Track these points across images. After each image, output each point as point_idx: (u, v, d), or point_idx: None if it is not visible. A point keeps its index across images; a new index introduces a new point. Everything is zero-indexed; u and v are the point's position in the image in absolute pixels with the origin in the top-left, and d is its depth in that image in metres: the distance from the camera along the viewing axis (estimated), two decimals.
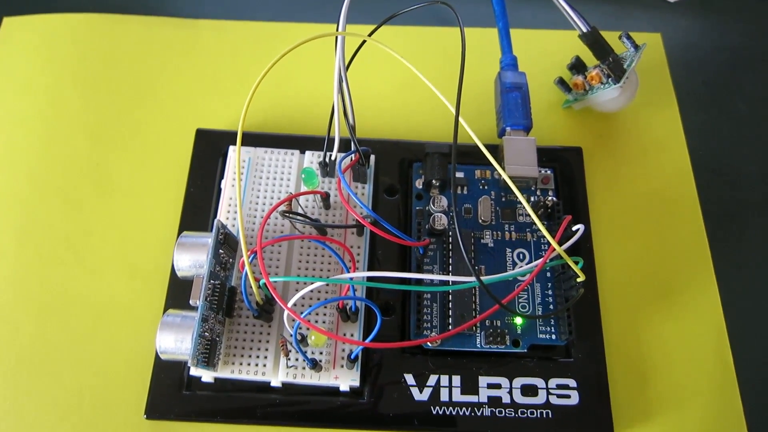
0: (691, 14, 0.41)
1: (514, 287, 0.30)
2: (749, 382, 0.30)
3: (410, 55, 0.27)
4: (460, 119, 0.26)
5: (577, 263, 0.26)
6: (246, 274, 0.26)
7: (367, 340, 0.26)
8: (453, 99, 0.26)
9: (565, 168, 0.34)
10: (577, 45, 0.33)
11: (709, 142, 0.37)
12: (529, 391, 0.29)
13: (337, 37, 0.27)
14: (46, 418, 0.29)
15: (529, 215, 0.32)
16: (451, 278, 0.28)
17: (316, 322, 0.29)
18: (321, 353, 0.28)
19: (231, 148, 0.33)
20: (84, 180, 0.34)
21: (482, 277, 0.25)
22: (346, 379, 0.28)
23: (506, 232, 0.31)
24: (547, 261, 0.26)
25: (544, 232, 0.25)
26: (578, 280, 0.27)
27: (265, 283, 0.26)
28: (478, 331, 0.29)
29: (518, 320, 0.30)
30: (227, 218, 0.31)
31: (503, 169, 0.30)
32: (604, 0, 0.41)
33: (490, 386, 0.29)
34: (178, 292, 0.30)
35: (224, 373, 0.28)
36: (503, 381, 0.29)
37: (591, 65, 0.34)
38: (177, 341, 0.26)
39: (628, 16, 0.41)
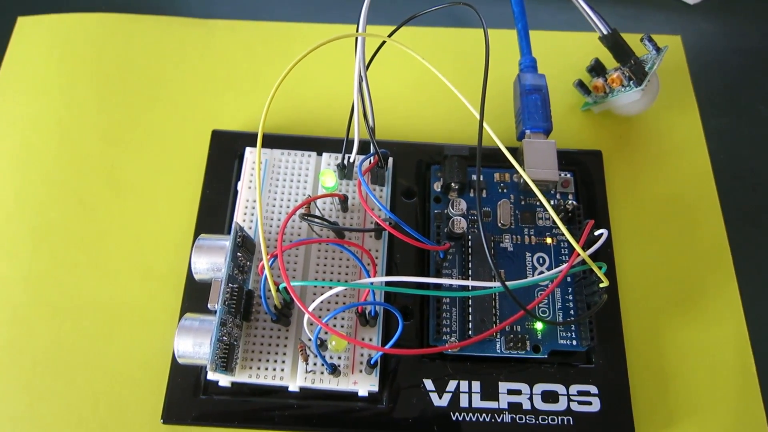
0: (711, 16, 0.40)
1: (534, 292, 0.30)
2: None
3: (428, 56, 0.26)
4: (484, 123, 0.26)
5: (600, 268, 0.26)
6: (265, 277, 0.26)
7: (387, 346, 0.26)
8: (472, 101, 0.26)
9: (584, 171, 0.33)
10: (596, 47, 0.33)
11: (729, 145, 0.36)
12: (549, 397, 0.28)
13: (357, 38, 0.27)
14: (63, 423, 0.29)
15: (549, 218, 0.31)
16: (472, 283, 0.28)
17: (335, 326, 0.29)
18: (340, 358, 0.28)
19: (248, 149, 0.33)
20: (99, 182, 0.34)
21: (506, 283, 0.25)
22: (365, 384, 0.28)
23: (526, 236, 0.31)
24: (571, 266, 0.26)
25: (569, 238, 0.25)
26: (602, 285, 0.26)
27: (285, 287, 0.25)
28: (498, 337, 0.29)
29: (539, 326, 0.29)
30: (244, 220, 0.31)
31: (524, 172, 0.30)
32: (622, 2, 0.41)
33: (510, 392, 0.28)
34: (193, 295, 0.30)
35: (242, 377, 0.28)
36: (523, 387, 0.29)
37: (610, 68, 0.34)
38: (195, 345, 0.26)
39: (647, 19, 0.40)
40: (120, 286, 0.31)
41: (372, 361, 0.27)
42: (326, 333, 0.27)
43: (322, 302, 0.28)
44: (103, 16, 0.38)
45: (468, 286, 0.29)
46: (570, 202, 0.31)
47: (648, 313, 0.31)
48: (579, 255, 0.25)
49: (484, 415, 0.28)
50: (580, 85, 0.35)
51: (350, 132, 0.29)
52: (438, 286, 0.29)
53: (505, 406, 0.28)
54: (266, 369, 0.28)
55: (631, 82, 0.32)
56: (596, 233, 0.27)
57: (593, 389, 0.29)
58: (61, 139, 0.35)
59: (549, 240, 0.31)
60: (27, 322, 0.30)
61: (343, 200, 0.30)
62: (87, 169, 0.34)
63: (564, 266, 0.26)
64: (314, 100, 0.36)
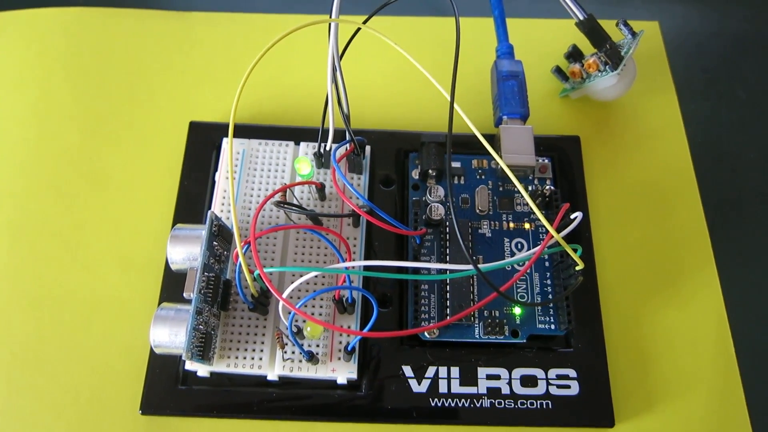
0: (689, 1, 0.40)
1: (512, 277, 0.30)
2: (751, 370, 0.30)
3: (405, 45, 0.26)
4: (456, 106, 0.26)
5: (575, 251, 0.26)
6: (240, 265, 0.26)
7: (364, 330, 0.26)
8: (448, 88, 0.26)
9: (562, 157, 0.33)
10: (573, 34, 0.33)
11: (708, 129, 0.36)
12: (528, 381, 0.28)
13: (330, 25, 0.26)
14: (41, 416, 0.28)
15: (527, 204, 0.31)
16: (448, 266, 0.28)
17: (312, 314, 0.29)
18: (317, 346, 0.28)
19: (225, 140, 0.32)
20: (77, 174, 0.33)
21: (479, 265, 0.25)
22: (344, 372, 0.28)
23: (504, 222, 0.31)
24: (545, 248, 0.26)
25: (542, 219, 0.25)
26: (577, 268, 0.26)
27: (259, 275, 0.25)
28: (477, 322, 0.29)
29: (517, 310, 0.29)
30: (221, 211, 0.31)
31: (500, 157, 0.30)
32: None
33: (489, 377, 0.28)
34: (172, 286, 0.30)
35: (220, 367, 0.28)
36: (502, 372, 0.29)
37: (588, 54, 0.34)
38: (171, 335, 0.26)
39: (625, 4, 0.40)
40: (99, 277, 0.31)
41: (349, 348, 0.27)
42: (303, 321, 0.27)
43: (299, 290, 0.29)
44: (81, 10, 0.38)
45: (444, 270, 0.28)
46: (548, 187, 0.31)
47: (627, 297, 0.31)
48: (553, 237, 0.25)
49: (463, 400, 0.28)
50: (558, 71, 0.35)
51: (326, 120, 0.29)
52: (416, 271, 0.29)
53: (484, 392, 0.28)
54: (244, 358, 0.28)
55: (607, 66, 0.32)
56: (571, 216, 0.27)
57: (572, 373, 0.29)
58: (39, 133, 0.34)
59: (527, 225, 0.31)
60: (5, 314, 0.30)
61: (320, 188, 0.30)
62: (65, 162, 0.34)
63: (537, 248, 0.26)
64: (292, 90, 0.36)
